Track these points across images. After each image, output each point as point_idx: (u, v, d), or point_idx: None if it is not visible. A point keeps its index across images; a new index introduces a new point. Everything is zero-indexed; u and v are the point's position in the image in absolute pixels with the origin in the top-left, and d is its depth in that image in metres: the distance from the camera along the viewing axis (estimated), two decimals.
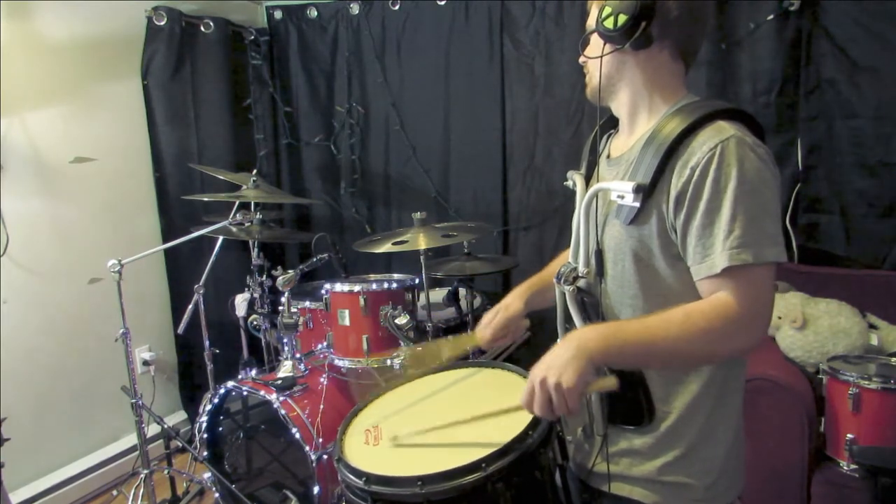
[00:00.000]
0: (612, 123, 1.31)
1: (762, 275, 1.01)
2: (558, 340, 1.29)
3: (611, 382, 1.05)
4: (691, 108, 1.08)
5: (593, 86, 1.19)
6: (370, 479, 1.11)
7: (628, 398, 1.10)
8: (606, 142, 1.32)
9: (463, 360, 1.53)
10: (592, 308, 1.17)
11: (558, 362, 1.01)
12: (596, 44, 1.16)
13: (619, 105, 1.21)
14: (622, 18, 1.07)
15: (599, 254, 1.15)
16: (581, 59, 1.22)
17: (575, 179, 1.29)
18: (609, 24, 1.08)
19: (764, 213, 1.01)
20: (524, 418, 1.14)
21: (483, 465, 1.06)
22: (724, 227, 1.00)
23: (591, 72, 1.20)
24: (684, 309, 1.03)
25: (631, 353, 1.04)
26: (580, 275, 1.19)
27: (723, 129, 1.03)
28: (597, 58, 1.14)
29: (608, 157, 1.27)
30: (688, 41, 1.14)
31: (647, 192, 1.06)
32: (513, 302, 1.42)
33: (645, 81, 1.15)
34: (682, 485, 1.15)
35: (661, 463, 1.15)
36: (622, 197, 1.09)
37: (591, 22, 1.16)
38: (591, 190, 1.18)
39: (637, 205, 1.07)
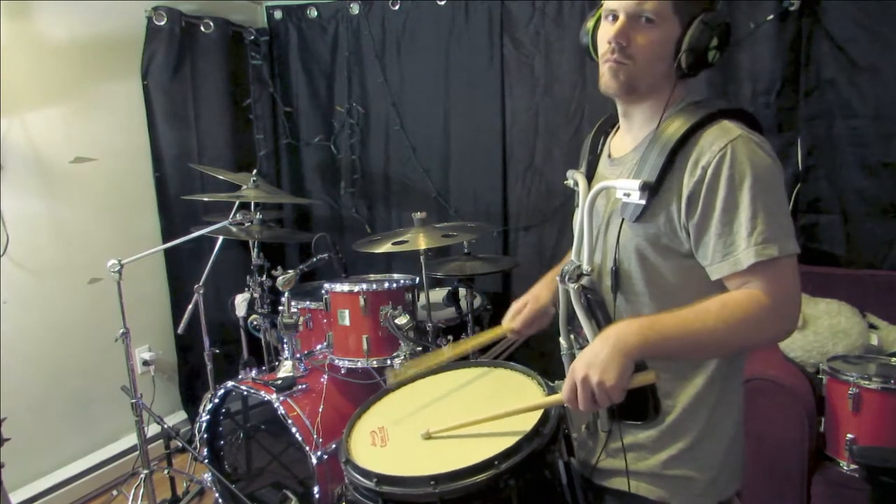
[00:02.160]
0: (609, 123, 1.32)
1: (788, 265, 1.03)
2: (560, 339, 1.30)
3: (650, 377, 1.05)
4: (694, 108, 1.10)
5: (629, 82, 1.12)
6: (381, 479, 1.10)
7: (634, 394, 1.10)
8: (604, 141, 1.32)
9: (466, 360, 1.53)
10: (597, 306, 1.17)
11: (599, 360, 1.01)
12: (662, 46, 1.10)
13: (637, 109, 1.18)
14: (717, 57, 1.10)
15: (616, 273, 1.15)
16: (639, 50, 1.10)
17: (577, 178, 1.29)
18: (711, 56, 1.10)
19: (779, 208, 1.03)
20: (532, 417, 1.14)
21: (496, 462, 1.05)
22: (746, 224, 1.01)
23: (634, 67, 1.11)
24: (720, 299, 1.04)
25: (669, 347, 1.04)
26: (584, 272, 1.19)
27: (729, 129, 1.05)
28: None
29: (609, 156, 1.27)
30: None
31: (654, 189, 1.07)
32: (541, 293, 1.43)
33: (669, 95, 1.15)
34: (685, 478, 1.15)
35: (665, 456, 1.16)
36: (628, 195, 1.10)
37: (673, 31, 1.09)
38: (596, 188, 1.19)
39: (643, 202, 1.08)
